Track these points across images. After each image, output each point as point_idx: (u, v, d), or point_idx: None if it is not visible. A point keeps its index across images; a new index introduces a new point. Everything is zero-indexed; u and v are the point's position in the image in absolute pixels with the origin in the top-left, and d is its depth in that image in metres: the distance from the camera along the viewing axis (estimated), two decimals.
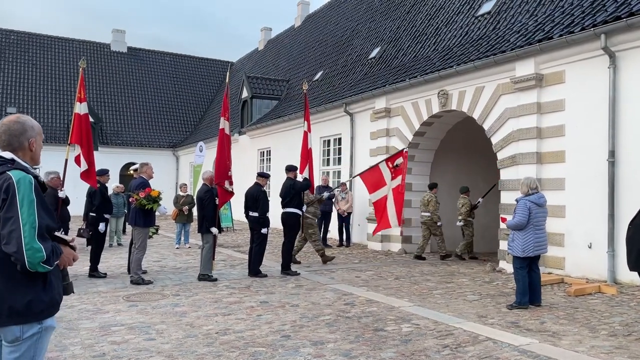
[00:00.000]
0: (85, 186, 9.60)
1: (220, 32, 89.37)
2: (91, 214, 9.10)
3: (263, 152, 21.46)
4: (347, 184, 14.40)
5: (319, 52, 22.21)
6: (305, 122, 10.57)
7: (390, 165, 11.05)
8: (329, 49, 21.35)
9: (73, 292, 2.87)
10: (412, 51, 14.70)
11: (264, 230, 9.12)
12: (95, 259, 8.93)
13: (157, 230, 9.40)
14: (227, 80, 10.22)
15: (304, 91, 11.17)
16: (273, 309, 6.56)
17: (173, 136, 31.07)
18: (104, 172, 9.57)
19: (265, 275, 9.03)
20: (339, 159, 16.10)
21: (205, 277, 8.59)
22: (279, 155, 19.76)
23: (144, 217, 8.34)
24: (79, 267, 9.45)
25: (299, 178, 10.00)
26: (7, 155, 2.59)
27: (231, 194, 9.10)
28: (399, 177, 11.00)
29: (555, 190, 8.91)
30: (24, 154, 2.64)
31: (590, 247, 8.46)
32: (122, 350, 4.86)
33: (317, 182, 14.63)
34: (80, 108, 8.49)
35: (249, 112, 22.46)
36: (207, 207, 8.74)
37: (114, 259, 10.96)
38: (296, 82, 22.31)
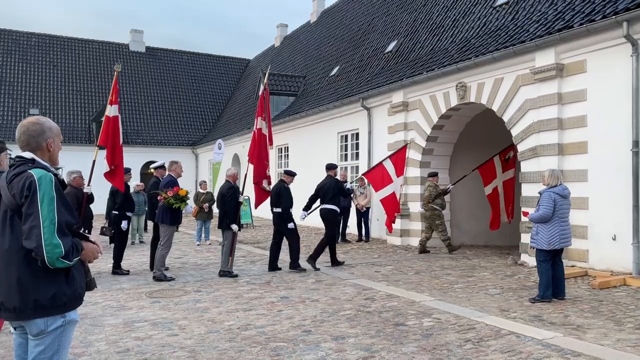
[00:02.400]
0: (108, 185, 9.75)
1: (236, 30, 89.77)
2: (113, 212, 9.23)
3: (281, 148, 21.51)
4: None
5: (335, 48, 22.15)
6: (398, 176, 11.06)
7: (503, 159, 11.13)
8: (345, 44, 21.28)
9: (96, 287, 2.94)
10: (429, 44, 14.56)
11: (290, 225, 9.24)
12: (118, 257, 9.06)
13: (177, 227, 9.48)
14: (265, 81, 10.14)
15: (406, 144, 11.16)
16: (293, 305, 6.59)
17: (192, 134, 31.33)
18: (126, 171, 9.68)
19: (305, 270, 9.13)
20: (357, 154, 16.06)
21: (226, 273, 8.68)
22: (296, 151, 19.80)
23: (170, 215, 8.42)
24: (103, 264, 9.62)
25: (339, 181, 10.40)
26: (28, 155, 2.67)
27: (268, 193, 9.31)
28: (511, 171, 11.06)
29: (578, 182, 8.76)
30: (42, 154, 2.71)
31: (614, 239, 8.31)
32: (146, 345, 4.93)
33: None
34: (111, 110, 8.40)
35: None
36: (228, 204, 8.80)
37: (136, 256, 11.11)
38: (313, 78, 22.30)
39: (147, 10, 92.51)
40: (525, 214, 7.44)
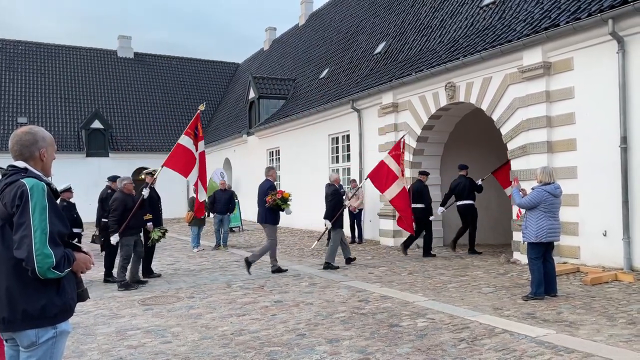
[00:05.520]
0: (97, 194, 9.68)
1: (225, 34, 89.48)
2: (103, 220, 9.17)
3: (272, 152, 21.49)
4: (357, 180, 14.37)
5: (324, 50, 22.17)
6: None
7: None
8: (334, 46, 21.30)
9: (89, 298, 2.90)
10: (417, 44, 14.62)
11: (431, 218, 10.91)
12: (109, 265, 9.00)
13: (164, 234, 9.43)
14: (402, 136, 11.01)
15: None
16: (287, 308, 6.57)
17: None
18: (115, 179, 9.64)
19: (435, 255, 10.76)
20: (348, 155, 16.07)
21: (329, 265, 9.60)
22: (287, 154, 19.79)
23: (273, 215, 9.32)
24: (94, 272, 9.53)
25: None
26: (20, 164, 2.66)
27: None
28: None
29: (568, 179, 8.81)
30: (35, 163, 2.70)
31: (605, 235, 8.37)
32: (139, 354, 4.89)
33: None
34: (188, 143, 9.17)
35: (257, 113, 22.49)
36: (329, 203, 10.03)
37: None
38: (302, 81, 22.30)
39: (135, 15, 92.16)
40: (516, 180, 7.72)
